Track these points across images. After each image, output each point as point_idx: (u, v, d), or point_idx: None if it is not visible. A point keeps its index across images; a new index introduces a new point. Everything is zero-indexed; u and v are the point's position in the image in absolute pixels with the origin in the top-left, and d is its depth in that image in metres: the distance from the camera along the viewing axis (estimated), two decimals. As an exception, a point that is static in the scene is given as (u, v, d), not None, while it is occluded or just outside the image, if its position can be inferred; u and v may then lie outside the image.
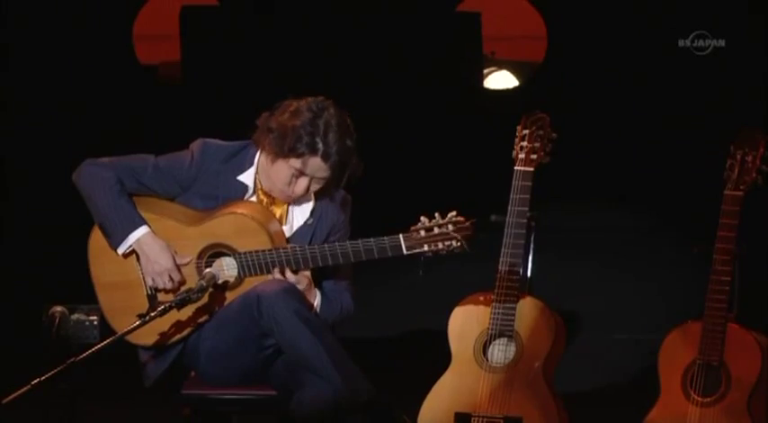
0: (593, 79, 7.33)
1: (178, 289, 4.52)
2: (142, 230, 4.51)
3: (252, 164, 4.62)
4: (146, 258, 4.51)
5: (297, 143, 4.45)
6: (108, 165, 4.58)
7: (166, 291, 4.53)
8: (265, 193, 4.63)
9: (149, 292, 4.56)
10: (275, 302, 4.35)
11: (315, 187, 4.55)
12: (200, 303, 4.43)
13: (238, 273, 4.50)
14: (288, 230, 4.63)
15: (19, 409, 4.07)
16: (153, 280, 4.52)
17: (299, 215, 4.65)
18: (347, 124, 4.54)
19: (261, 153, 4.61)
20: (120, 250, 4.53)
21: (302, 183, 4.52)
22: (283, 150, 4.47)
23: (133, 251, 4.54)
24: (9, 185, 7.34)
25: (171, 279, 4.51)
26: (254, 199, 4.62)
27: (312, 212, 4.64)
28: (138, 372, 4.65)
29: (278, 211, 4.64)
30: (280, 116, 4.52)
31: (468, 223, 4.40)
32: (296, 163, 4.48)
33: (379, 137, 7.45)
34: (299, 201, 4.63)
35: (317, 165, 4.49)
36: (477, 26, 7.63)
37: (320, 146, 4.46)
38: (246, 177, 4.61)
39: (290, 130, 4.47)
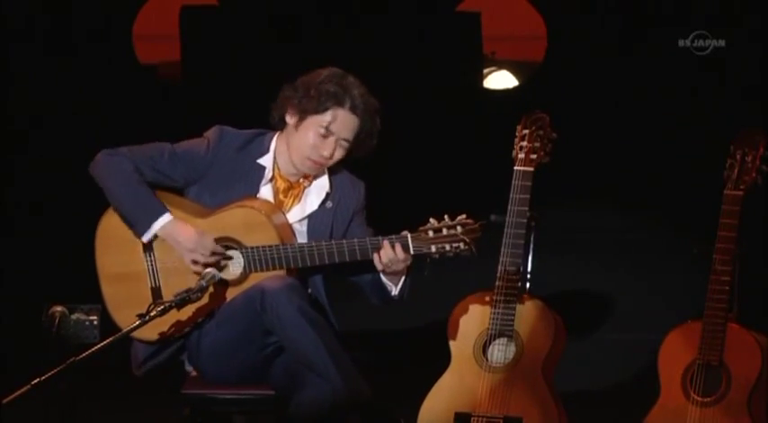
0: (593, 79, 7.33)
1: (218, 262, 4.50)
2: (165, 218, 4.51)
3: (269, 149, 4.65)
4: (175, 243, 4.51)
5: (324, 96, 4.51)
6: (125, 154, 4.60)
7: (208, 265, 4.48)
8: (283, 178, 4.64)
9: (154, 284, 4.56)
10: (279, 298, 4.34)
11: (339, 153, 4.57)
12: (200, 302, 4.43)
13: (244, 267, 4.50)
14: (300, 212, 4.64)
15: (19, 409, 4.07)
16: (192, 260, 4.50)
17: (315, 198, 4.65)
18: (369, 92, 4.60)
19: (278, 137, 4.64)
20: (145, 238, 4.53)
21: (329, 144, 4.53)
22: (311, 105, 4.52)
23: (150, 241, 4.55)
24: (9, 185, 7.34)
25: (205, 251, 4.48)
26: (269, 185, 4.63)
27: (329, 196, 4.66)
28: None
29: (294, 196, 4.64)
30: (302, 79, 4.58)
31: (476, 225, 4.41)
32: (323, 118, 4.52)
33: (379, 137, 7.46)
34: (314, 184, 4.65)
35: (344, 119, 4.53)
36: (477, 26, 7.63)
37: (347, 98, 4.52)
38: (265, 161, 4.63)
39: (315, 85, 4.54)
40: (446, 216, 4.42)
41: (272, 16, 7.48)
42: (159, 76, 7.81)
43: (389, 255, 4.43)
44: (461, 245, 4.39)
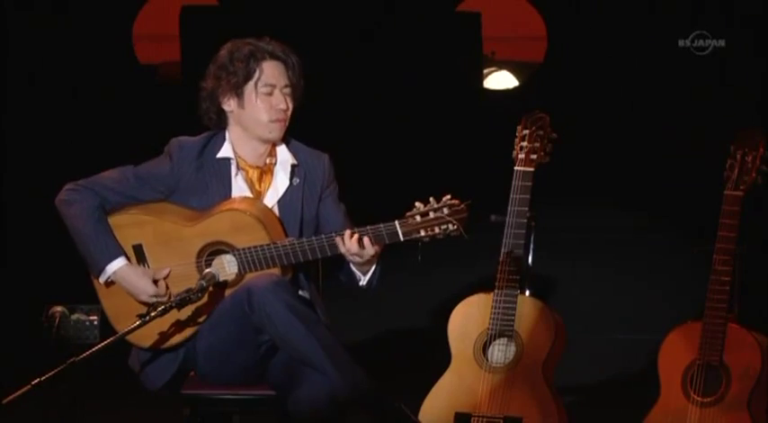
0: (593, 79, 7.33)
1: (169, 299, 4.52)
2: (118, 263, 4.50)
3: (225, 139, 4.65)
4: (127, 290, 4.51)
5: (243, 62, 4.56)
6: (88, 187, 4.57)
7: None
8: (252, 167, 4.64)
9: None
10: (266, 296, 4.34)
11: (290, 102, 4.60)
12: (199, 303, 4.43)
13: (239, 269, 4.50)
14: (274, 194, 4.63)
15: (19, 409, 4.06)
16: (145, 304, 4.52)
17: (283, 176, 4.65)
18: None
19: (229, 131, 4.64)
20: (102, 280, 4.53)
21: (278, 97, 4.58)
22: (240, 77, 4.56)
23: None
24: (8, 184, 7.34)
25: (158, 299, 4.50)
26: (241, 177, 4.62)
27: (294, 170, 4.65)
28: (135, 374, 4.65)
29: (268, 180, 4.64)
30: (213, 69, 4.64)
31: (462, 206, 4.39)
32: (257, 79, 4.55)
33: (379, 137, 7.47)
34: (279, 160, 4.66)
35: (272, 67, 4.57)
36: (477, 26, 7.63)
37: (261, 50, 4.58)
38: (225, 152, 4.63)
39: (230, 61, 4.59)
40: (431, 198, 4.40)
41: (272, 16, 7.48)
42: (159, 76, 7.81)
43: (347, 246, 4.43)
44: (450, 226, 4.37)
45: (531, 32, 7.61)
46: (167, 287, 4.52)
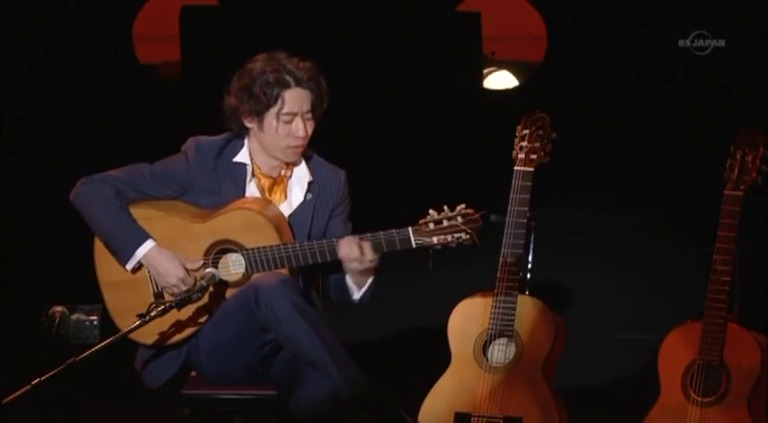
0: (593, 79, 7.33)
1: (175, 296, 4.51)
2: (148, 245, 4.50)
3: (243, 147, 4.63)
4: (156, 272, 4.50)
5: (268, 89, 4.50)
6: (104, 180, 4.56)
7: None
8: (265, 175, 4.63)
9: (156, 290, 4.54)
10: (273, 295, 4.33)
11: (310, 127, 4.56)
12: (200, 303, 4.43)
13: (246, 269, 4.49)
14: (287, 208, 4.63)
15: (19, 409, 4.07)
16: (169, 290, 4.51)
17: (298, 191, 4.64)
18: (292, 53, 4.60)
19: (249, 137, 4.63)
20: (129, 266, 4.52)
21: (297, 124, 4.53)
22: (262, 104, 4.51)
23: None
24: (9, 184, 7.34)
25: (185, 286, 4.50)
26: (254, 183, 4.62)
27: (310, 186, 4.65)
28: (136, 373, 4.64)
29: (281, 191, 4.64)
30: (238, 85, 4.57)
31: (477, 215, 4.39)
32: (279, 107, 4.51)
33: (379, 137, 7.47)
34: (295, 174, 4.65)
35: (296, 96, 4.52)
36: (477, 26, 7.64)
37: (288, 77, 4.52)
38: (242, 157, 4.62)
39: (255, 84, 4.53)
40: (446, 207, 4.40)
41: (272, 17, 7.48)
42: (159, 76, 7.82)
43: (346, 251, 4.42)
44: (463, 235, 4.37)
45: (531, 32, 7.61)
46: (196, 279, 4.51)
